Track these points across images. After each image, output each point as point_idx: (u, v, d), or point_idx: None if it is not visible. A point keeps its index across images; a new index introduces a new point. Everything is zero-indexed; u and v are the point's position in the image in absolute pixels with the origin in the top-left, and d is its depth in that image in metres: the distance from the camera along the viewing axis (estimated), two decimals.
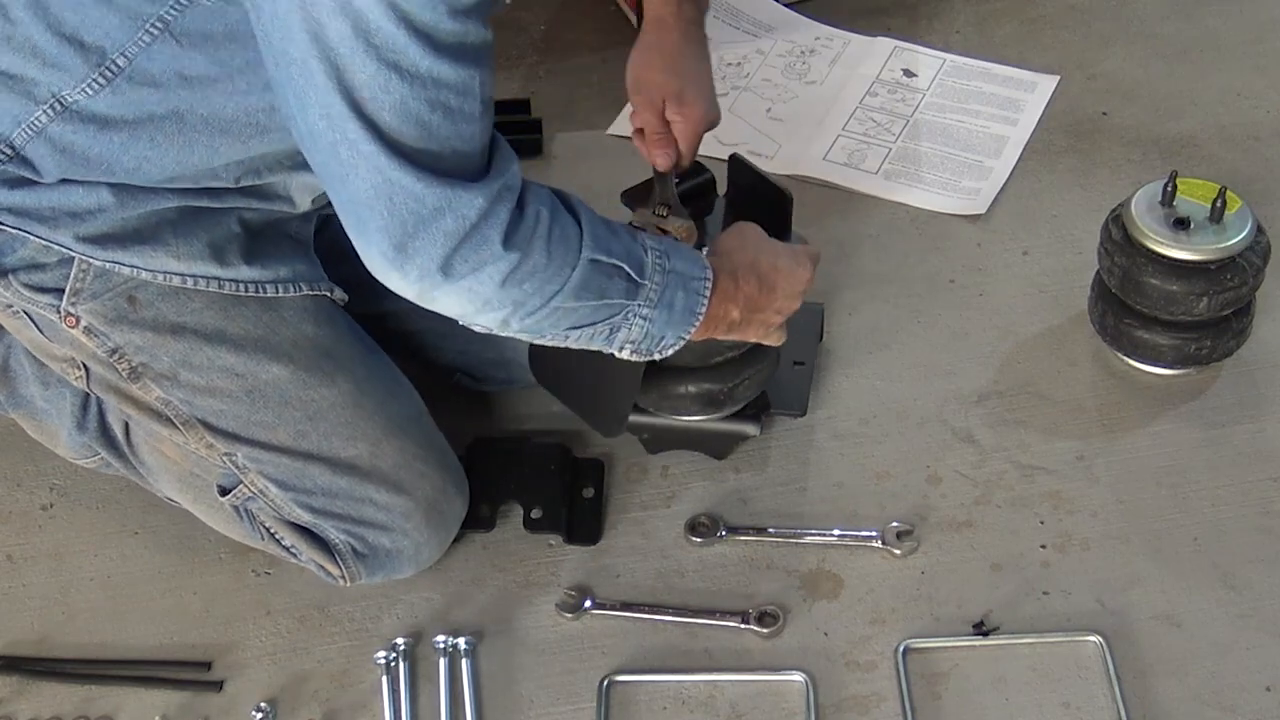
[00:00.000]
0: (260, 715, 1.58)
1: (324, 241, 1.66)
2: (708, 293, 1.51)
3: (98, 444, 1.74)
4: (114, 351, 1.55)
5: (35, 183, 1.47)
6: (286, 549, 1.66)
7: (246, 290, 1.55)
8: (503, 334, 1.43)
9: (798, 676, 1.60)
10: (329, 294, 1.63)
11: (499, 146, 1.37)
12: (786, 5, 2.44)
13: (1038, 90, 2.27)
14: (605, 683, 1.61)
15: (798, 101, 2.29)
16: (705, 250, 1.57)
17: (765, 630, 1.64)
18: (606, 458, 1.82)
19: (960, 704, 1.58)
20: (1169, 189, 1.77)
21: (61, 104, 1.42)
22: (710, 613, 1.66)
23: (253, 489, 1.62)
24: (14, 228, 1.48)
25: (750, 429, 1.78)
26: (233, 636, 1.67)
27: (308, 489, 1.61)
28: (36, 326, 1.57)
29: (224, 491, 1.64)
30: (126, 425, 1.71)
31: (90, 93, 1.41)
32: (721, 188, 1.79)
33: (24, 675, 1.65)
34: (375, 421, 1.62)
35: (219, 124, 1.45)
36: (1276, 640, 1.61)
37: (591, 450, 1.82)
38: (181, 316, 1.54)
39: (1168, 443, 1.81)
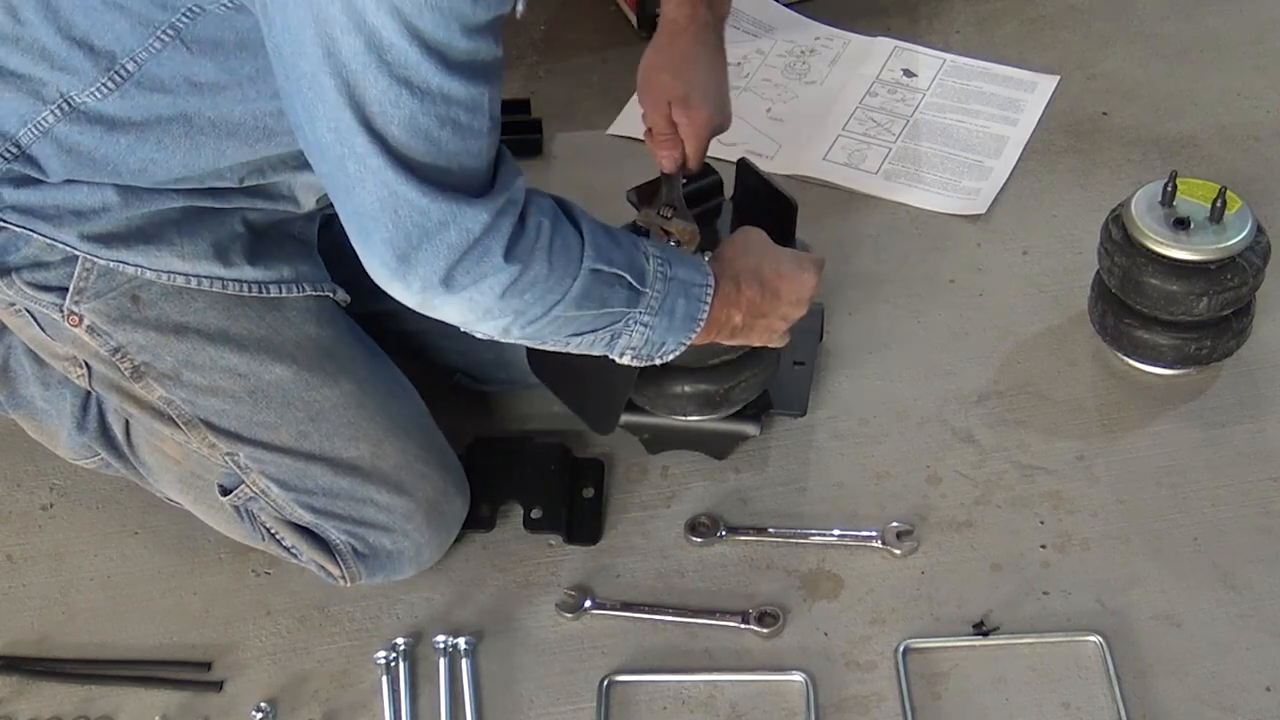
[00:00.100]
0: (260, 715, 1.58)
1: (325, 242, 1.65)
2: (709, 299, 1.51)
3: (98, 444, 1.73)
4: (117, 350, 1.55)
5: (40, 182, 1.47)
6: (287, 549, 1.66)
7: (250, 290, 1.55)
8: (504, 340, 1.44)
9: (798, 676, 1.60)
10: (332, 295, 1.63)
11: (504, 160, 1.37)
12: (786, 5, 2.43)
13: (1038, 90, 2.27)
14: (605, 683, 1.61)
15: (798, 101, 2.28)
16: (708, 255, 1.57)
17: (765, 630, 1.64)
18: (606, 458, 1.81)
19: (960, 704, 1.58)
20: (1169, 189, 1.77)
21: (69, 105, 1.42)
22: (710, 613, 1.66)
23: (254, 489, 1.62)
24: (19, 226, 1.48)
25: (750, 429, 1.78)
26: (233, 636, 1.67)
27: (309, 489, 1.61)
28: (39, 325, 1.57)
29: (225, 491, 1.64)
30: (127, 425, 1.71)
31: (99, 96, 1.41)
32: (729, 190, 1.79)
33: (24, 675, 1.65)
34: (377, 422, 1.62)
35: (226, 128, 1.45)
36: (1276, 640, 1.61)
37: (592, 450, 1.82)
38: (185, 316, 1.54)
39: (1168, 443, 1.81)
